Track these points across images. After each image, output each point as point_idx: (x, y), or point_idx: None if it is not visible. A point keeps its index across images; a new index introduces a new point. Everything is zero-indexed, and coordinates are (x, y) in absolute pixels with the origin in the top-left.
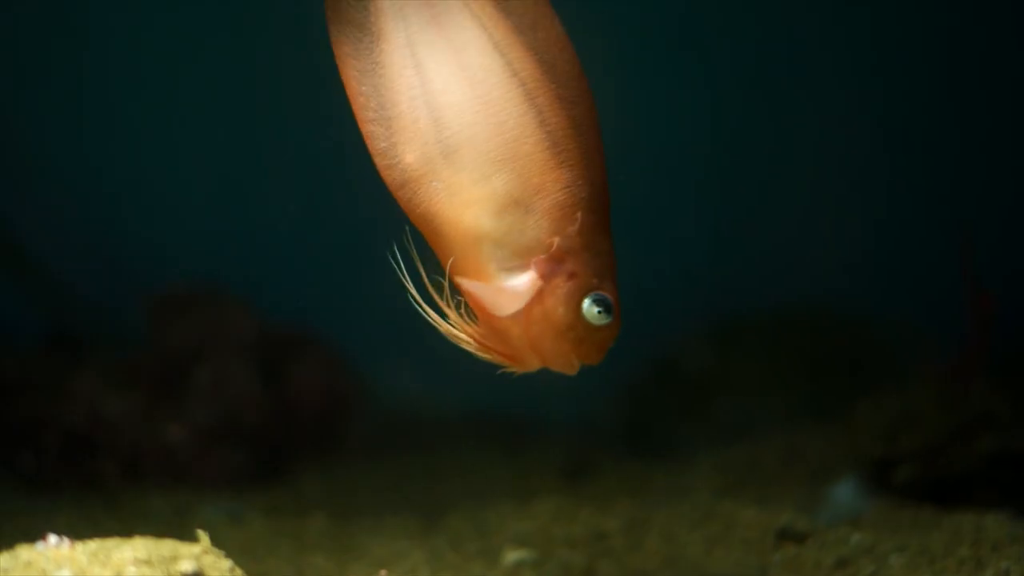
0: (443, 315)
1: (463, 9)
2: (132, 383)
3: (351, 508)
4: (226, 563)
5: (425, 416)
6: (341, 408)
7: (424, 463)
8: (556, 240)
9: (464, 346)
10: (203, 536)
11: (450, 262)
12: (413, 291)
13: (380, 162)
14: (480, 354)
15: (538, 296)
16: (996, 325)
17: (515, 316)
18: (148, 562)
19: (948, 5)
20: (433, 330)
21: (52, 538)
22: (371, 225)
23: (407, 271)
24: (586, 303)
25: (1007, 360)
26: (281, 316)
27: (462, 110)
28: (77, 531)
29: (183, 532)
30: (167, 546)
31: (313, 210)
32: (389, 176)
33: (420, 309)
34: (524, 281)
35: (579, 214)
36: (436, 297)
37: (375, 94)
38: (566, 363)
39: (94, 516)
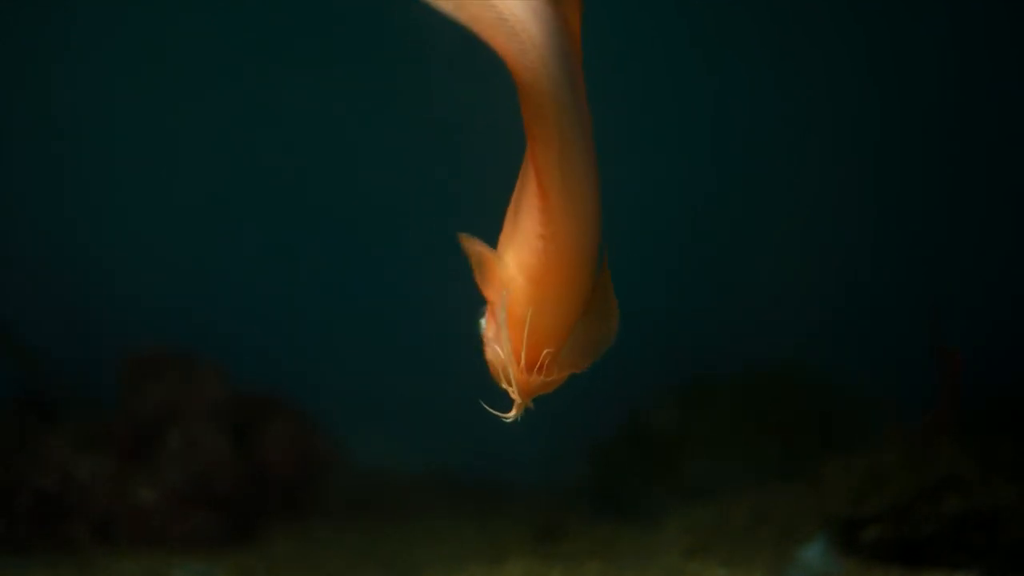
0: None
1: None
2: (103, 446)
3: (323, 570)
4: None
5: (397, 479)
6: (313, 471)
7: (396, 525)
8: None
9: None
10: None
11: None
12: (501, 341)
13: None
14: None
15: None
16: (964, 386)
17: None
18: None
19: (935, 92)
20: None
21: None
22: (343, 290)
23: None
24: None
25: (975, 420)
26: (253, 379)
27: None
28: None
29: None
30: None
31: (286, 273)
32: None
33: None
34: None
35: None
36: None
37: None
38: None
39: None
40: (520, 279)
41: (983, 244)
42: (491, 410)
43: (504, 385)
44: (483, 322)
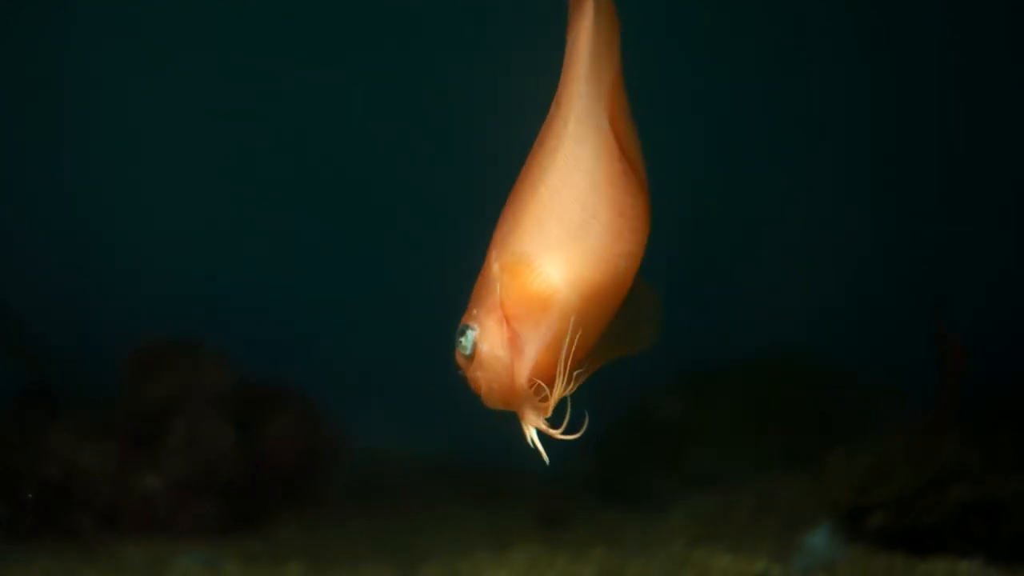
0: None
1: None
2: (108, 435)
3: (327, 557)
4: None
5: (402, 467)
6: (317, 459)
7: (400, 513)
8: None
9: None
10: None
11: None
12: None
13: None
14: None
15: None
16: (967, 376)
17: None
18: None
19: (935, 91)
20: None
21: None
22: (350, 276)
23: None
24: None
25: (978, 411)
26: (258, 367)
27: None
28: None
29: None
30: None
31: (290, 264)
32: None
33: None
34: None
35: None
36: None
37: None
38: None
39: (70, 566)
40: (571, 296)
41: (983, 243)
42: (555, 433)
43: (513, 407)
44: (471, 341)
